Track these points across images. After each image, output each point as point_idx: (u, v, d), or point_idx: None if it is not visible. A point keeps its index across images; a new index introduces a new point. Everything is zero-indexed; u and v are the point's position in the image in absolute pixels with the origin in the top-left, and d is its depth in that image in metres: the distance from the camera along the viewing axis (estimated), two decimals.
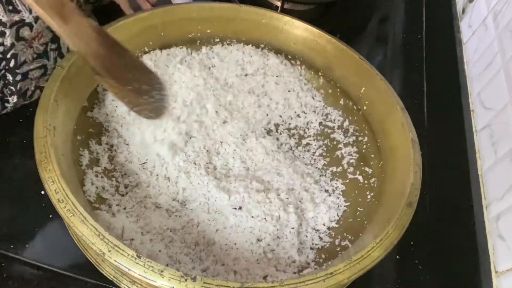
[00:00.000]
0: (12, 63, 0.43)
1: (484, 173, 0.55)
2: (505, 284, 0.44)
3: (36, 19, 0.43)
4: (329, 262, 0.40)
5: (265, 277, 0.39)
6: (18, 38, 0.42)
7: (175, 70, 0.52)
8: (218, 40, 0.58)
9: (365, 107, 0.53)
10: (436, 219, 0.50)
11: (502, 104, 0.55)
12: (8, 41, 0.41)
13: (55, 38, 0.46)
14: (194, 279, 0.31)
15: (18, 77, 0.44)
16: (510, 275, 0.44)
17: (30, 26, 0.43)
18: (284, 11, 0.69)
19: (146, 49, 0.54)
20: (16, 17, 0.41)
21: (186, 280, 0.30)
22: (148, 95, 0.43)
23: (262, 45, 0.59)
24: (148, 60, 0.53)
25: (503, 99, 0.55)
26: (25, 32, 0.42)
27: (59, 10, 0.36)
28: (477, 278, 0.46)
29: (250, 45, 0.58)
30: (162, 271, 0.31)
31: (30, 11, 0.42)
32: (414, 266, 0.46)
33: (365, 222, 0.43)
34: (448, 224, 0.51)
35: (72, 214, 0.33)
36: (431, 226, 0.50)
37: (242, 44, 0.58)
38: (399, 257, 0.46)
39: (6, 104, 0.46)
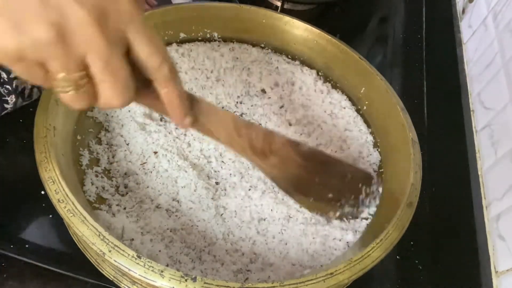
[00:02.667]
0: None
1: (484, 173, 0.55)
2: (505, 284, 0.44)
3: None
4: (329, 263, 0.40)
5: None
6: None
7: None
8: (218, 40, 0.58)
9: (365, 107, 0.53)
10: (436, 219, 0.50)
11: (502, 104, 0.55)
12: None
13: None
14: (194, 279, 0.31)
15: (13, 75, 0.44)
16: (510, 275, 0.44)
17: None
18: (284, 11, 0.69)
19: None
20: None
21: (186, 280, 0.30)
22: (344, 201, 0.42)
23: (262, 45, 0.59)
24: None
25: (503, 99, 0.55)
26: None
27: (260, 151, 0.38)
28: (477, 278, 0.46)
29: (250, 45, 0.59)
30: (162, 271, 0.31)
31: None
32: (414, 266, 0.46)
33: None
34: (448, 224, 0.51)
35: (72, 214, 0.33)
36: (431, 226, 0.50)
37: (242, 44, 0.59)
38: (399, 257, 0.46)
39: (6, 105, 0.46)
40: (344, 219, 0.43)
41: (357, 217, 0.43)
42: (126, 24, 0.26)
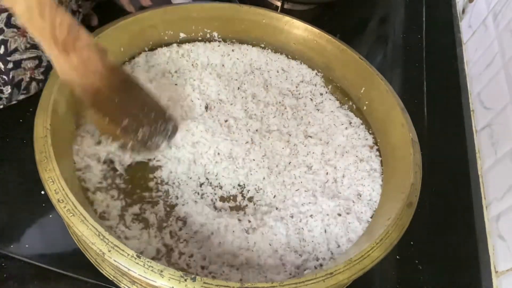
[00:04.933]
0: (1, 50, 0.42)
1: (484, 173, 0.55)
2: (505, 284, 0.44)
3: None
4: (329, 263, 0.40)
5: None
6: (9, 25, 0.41)
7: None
8: (218, 40, 0.58)
9: (365, 107, 0.53)
10: (436, 219, 0.50)
11: (502, 104, 0.55)
12: None
13: None
14: (193, 279, 0.31)
15: (10, 65, 0.44)
16: (510, 275, 0.44)
17: None
18: (284, 11, 0.69)
19: (146, 49, 0.54)
20: None
21: (185, 280, 0.30)
22: (140, 134, 0.39)
23: (262, 45, 0.59)
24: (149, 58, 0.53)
25: (503, 99, 0.55)
26: (18, 20, 0.41)
27: (61, 42, 0.34)
28: (477, 278, 0.46)
29: (250, 45, 0.59)
30: (162, 271, 0.31)
31: None
32: (414, 266, 0.46)
33: None
34: (448, 224, 0.51)
35: (72, 214, 0.33)
36: (431, 226, 0.50)
37: (242, 44, 0.59)
38: (399, 257, 0.46)
39: (1, 95, 0.45)
40: None
41: (147, 149, 0.40)
42: None
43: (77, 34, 0.34)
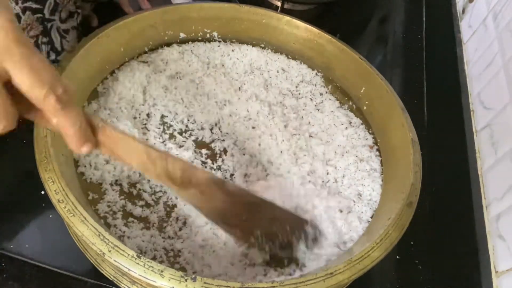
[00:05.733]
0: None
1: (484, 173, 0.55)
2: (505, 284, 0.44)
3: (24, 10, 0.41)
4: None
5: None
6: None
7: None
8: (218, 40, 0.58)
9: (365, 107, 0.53)
10: (436, 219, 0.50)
11: (502, 104, 0.55)
12: None
13: (46, 31, 0.45)
14: (194, 279, 0.31)
15: None
16: (510, 275, 0.44)
17: (18, 17, 0.41)
18: (284, 11, 0.69)
19: (146, 49, 0.54)
20: None
21: (186, 280, 0.30)
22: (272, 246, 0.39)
23: (262, 45, 0.59)
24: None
25: (503, 99, 0.55)
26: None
27: (179, 182, 0.36)
28: (477, 278, 0.46)
29: (250, 45, 0.59)
30: (162, 271, 0.31)
31: (17, 2, 0.40)
32: (414, 266, 0.46)
33: None
34: (448, 224, 0.51)
35: (72, 214, 0.33)
36: (431, 226, 0.50)
37: (242, 44, 0.59)
38: (399, 257, 0.46)
39: None
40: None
41: (290, 258, 0.40)
42: (3, 58, 0.26)
43: (191, 172, 0.37)
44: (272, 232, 0.39)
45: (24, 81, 0.26)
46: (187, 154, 0.47)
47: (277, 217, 0.40)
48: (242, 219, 0.39)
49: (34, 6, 0.45)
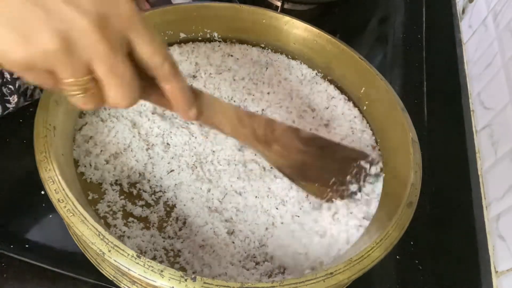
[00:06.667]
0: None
1: (484, 173, 0.55)
2: (505, 284, 0.44)
3: None
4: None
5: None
6: None
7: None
8: (218, 40, 0.58)
9: (365, 107, 0.53)
10: (436, 219, 0.50)
11: (502, 104, 0.55)
12: None
13: None
14: (194, 279, 0.31)
15: (16, 75, 0.44)
16: (510, 275, 0.44)
17: None
18: (284, 11, 0.69)
19: None
20: None
21: (186, 280, 0.30)
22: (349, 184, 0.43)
23: (262, 45, 0.59)
24: None
25: (503, 99, 0.55)
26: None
27: (263, 139, 0.39)
28: (477, 278, 0.46)
29: (250, 45, 0.59)
30: (162, 271, 0.31)
31: None
32: (414, 266, 0.46)
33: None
34: (448, 224, 0.51)
35: (72, 214, 0.33)
36: (431, 226, 0.50)
37: (242, 44, 0.59)
38: (399, 257, 0.46)
39: (8, 105, 0.46)
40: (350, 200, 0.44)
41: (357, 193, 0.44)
42: (127, 27, 0.27)
43: (271, 126, 0.40)
44: (346, 172, 0.42)
45: (148, 49, 0.28)
46: (197, 139, 0.47)
47: (345, 156, 0.43)
48: (319, 167, 0.42)
49: None
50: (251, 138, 0.39)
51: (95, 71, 0.27)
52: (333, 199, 0.43)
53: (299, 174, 0.42)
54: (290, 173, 0.42)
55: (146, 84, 0.30)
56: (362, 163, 0.44)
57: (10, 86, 0.44)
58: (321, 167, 0.43)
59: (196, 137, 0.48)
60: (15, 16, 0.24)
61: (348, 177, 0.43)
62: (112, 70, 0.27)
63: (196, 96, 0.34)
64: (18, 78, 0.44)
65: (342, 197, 0.43)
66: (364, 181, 0.44)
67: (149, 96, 0.32)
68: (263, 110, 0.53)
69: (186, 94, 0.32)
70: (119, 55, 0.27)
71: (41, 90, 0.48)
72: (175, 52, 0.55)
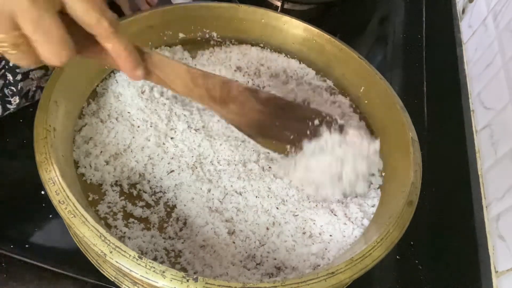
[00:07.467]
0: (11, 62, 0.43)
1: (484, 173, 0.55)
2: (505, 284, 0.44)
3: None
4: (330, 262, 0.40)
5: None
6: None
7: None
8: (217, 40, 0.58)
9: (365, 107, 0.53)
10: (436, 219, 0.51)
11: (502, 104, 0.55)
12: None
13: None
14: (196, 279, 0.31)
15: (19, 77, 0.44)
16: (510, 275, 0.44)
17: None
18: (284, 11, 0.69)
19: None
20: None
21: (188, 280, 0.30)
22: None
23: (262, 45, 0.59)
24: None
25: (503, 99, 0.55)
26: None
27: (218, 99, 0.40)
28: (477, 278, 0.47)
29: (249, 45, 0.59)
30: (163, 272, 0.31)
31: None
32: (414, 266, 0.46)
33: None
34: (448, 224, 0.51)
35: (73, 215, 0.33)
36: (431, 226, 0.50)
37: (241, 44, 0.59)
38: (399, 257, 0.46)
39: (9, 106, 0.46)
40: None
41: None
42: None
43: (228, 86, 0.40)
44: (302, 129, 0.43)
45: (78, 6, 0.27)
46: (196, 140, 0.47)
47: (303, 115, 0.44)
48: (276, 125, 0.43)
49: None
50: (205, 98, 0.39)
51: (21, 27, 0.26)
52: (295, 152, 0.44)
53: (258, 132, 0.43)
54: (247, 131, 0.43)
55: (87, 41, 0.29)
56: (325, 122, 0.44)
57: (12, 88, 0.44)
58: (281, 125, 0.43)
59: (196, 137, 0.48)
60: None
61: (317, 121, 0.43)
62: (38, 27, 0.26)
63: (143, 56, 0.34)
64: (20, 80, 0.45)
65: (301, 148, 0.44)
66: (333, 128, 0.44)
67: (91, 53, 0.31)
68: None
69: (130, 53, 0.32)
70: (46, 11, 0.26)
71: (42, 91, 0.48)
72: (175, 52, 0.55)
